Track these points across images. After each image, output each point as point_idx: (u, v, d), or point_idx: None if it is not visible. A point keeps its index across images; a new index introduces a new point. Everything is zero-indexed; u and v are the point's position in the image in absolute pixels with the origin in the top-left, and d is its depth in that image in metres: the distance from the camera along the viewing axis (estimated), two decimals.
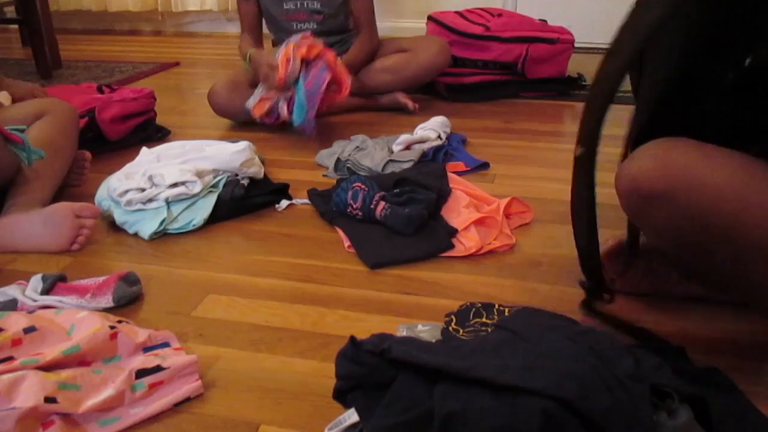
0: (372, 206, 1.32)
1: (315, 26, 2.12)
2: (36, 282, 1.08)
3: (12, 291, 1.07)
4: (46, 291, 1.07)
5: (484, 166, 1.68)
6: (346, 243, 1.28)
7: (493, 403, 0.64)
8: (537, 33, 2.33)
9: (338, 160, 1.66)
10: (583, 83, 2.40)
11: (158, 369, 0.86)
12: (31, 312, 1.00)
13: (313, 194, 1.48)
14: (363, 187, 1.36)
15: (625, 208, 0.88)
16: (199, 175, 1.40)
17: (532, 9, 2.46)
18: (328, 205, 1.41)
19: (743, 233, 0.77)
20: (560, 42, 2.33)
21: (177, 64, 3.00)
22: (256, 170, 1.48)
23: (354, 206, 1.34)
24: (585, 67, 2.32)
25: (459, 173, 1.59)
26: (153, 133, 1.94)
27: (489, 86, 2.34)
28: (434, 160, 1.66)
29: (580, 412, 0.63)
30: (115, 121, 1.81)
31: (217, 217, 1.38)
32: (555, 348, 0.74)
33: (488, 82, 2.34)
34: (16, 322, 0.92)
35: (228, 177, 1.45)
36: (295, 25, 2.12)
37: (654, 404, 0.68)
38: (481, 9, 2.51)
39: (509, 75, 2.35)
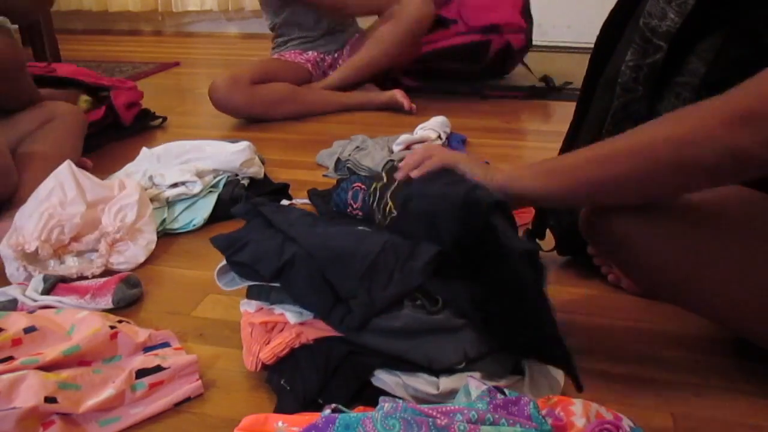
0: (373, 207, 1.32)
1: None
2: (36, 282, 1.08)
3: (12, 291, 1.07)
4: (47, 291, 1.07)
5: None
6: None
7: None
8: None
9: (338, 160, 1.66)
10: (562, 87, 2.34)
11: (158, 369, 0.86)
12: (31, 312, 1.00)
13: (313, 194, 1.48)
14: (363, 187, 1.35)
15: (593, 248, 0.92)
16: (199, 175, 1.40)
17: (531, 8, 2.45)
18: (328, 205, 1.41)
19: (702, 267, 0.80)
20: None
21: (177, 64, 3.00)
22: (256, 170, 1.48)
23: (354, 206, 1.34)
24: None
25: None
26: (152, 120, 2.06)
27: (447, 54, 2.28)
28: None
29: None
30: (126, 107, 1.93)
31: (217, 217, 1.38)
32: (361, 233, 0.89)
33: (440, 50, 2.26)
34: (16, 322, 0.92)
35: (228, 177, 1.45)
36: None
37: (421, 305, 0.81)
38: None
39: (454, 36, 2.25)
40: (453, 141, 1.78)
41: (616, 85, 1.00)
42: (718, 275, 0.79)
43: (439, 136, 1.73)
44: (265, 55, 2.36)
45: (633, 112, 1.00)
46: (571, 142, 1.13)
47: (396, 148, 1.68)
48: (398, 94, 2.15)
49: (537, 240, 1.18)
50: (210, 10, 3.75)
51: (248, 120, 2.10)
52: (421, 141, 1.69)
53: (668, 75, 0.97)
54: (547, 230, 1.17)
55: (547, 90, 2.34)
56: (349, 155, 1.65)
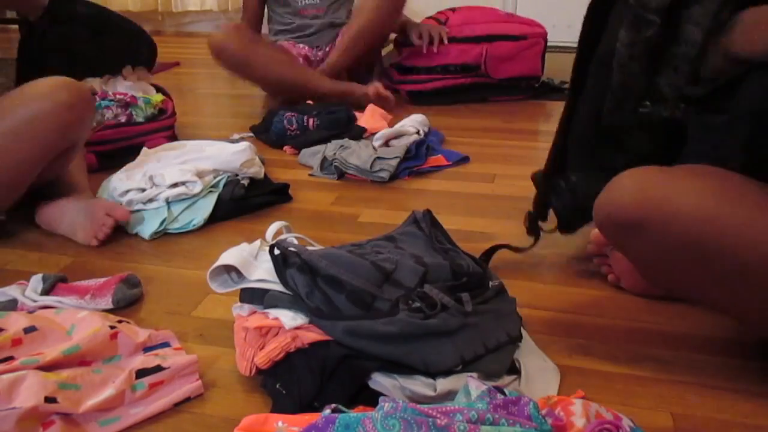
0: (305, 123, 1.82)
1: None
2: (36, 282, 1.08)
3: (12, 291, 1.07)
4: (47, 291, 1.07)
5: (465, 160, 1.72)
6: None
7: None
8: (496, 30, 2.23)
9: (324, 159, 1.66)
10: (561, 87, 2.33)
11: (158, 369, 0.86)
12: (31, 312, 1.00)
13: (255, 130, 1.92)
14: (293, 114, 1.85)
15: (606, 238, 0.90)
16: (199, 175, 1.40)
17: (532, 9, 2.45)
18: (269, 134, 1.85)
19: (720, 257, 0.78)
20: (526, 38, 2.23)
21: (177, 64, 3.00)
22: (257, 170, 1.48)
23: (291, 129, 1.83)
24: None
25: (440, 167, 1.68)
26: None
27: (451, 91, 2.26)
28: (417, 154, 1.68)
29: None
30: None
31: (217, 217, 1.38)
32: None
33: (450, 87, 2.26)
34: (16, 322, 0.92)
35: (228, 177, 1.45)
36: (300, 2, 2.18)
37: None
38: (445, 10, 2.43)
39: (473, 77, 2.25)
40: (430, 139, 1.80)
41: (611, 62, 1.00)
42: (735, 269, 0.77)
43: (418, 132, 1.74)
44: None
45: (632, 89, 1.00)
46: (567, 123, 1.14)
47: (376, 143, 1.70)
48: (380, 87, 2.11)
49: (539, 222, 1.18)
50: (210, 10, 3.75)
51: (242, 79, 2.12)
52: (398, 135, 1.72)
53: (664, 47, 0.96)
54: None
55: (548, 90, 2.34)
56: (335, 154, 1.65)
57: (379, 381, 0.80)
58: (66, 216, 1.32)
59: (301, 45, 2.26)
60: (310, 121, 1.82)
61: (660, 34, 0.94)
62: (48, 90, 1.26)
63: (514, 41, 2.23)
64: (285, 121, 1.82)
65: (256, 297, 0.89)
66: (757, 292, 0.78)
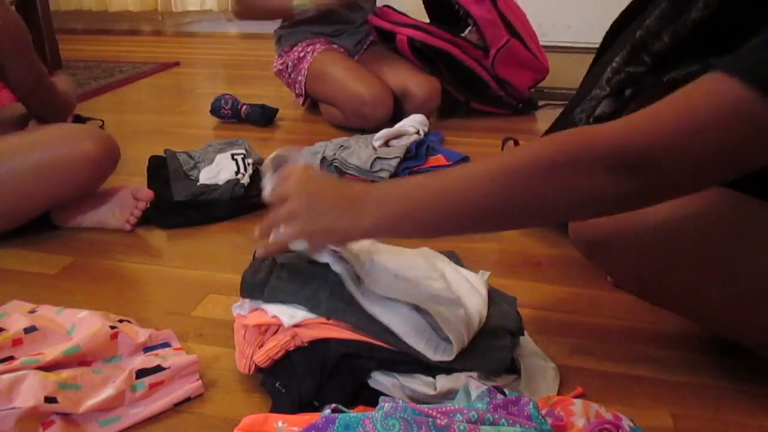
0: (238, 107, 2.06)
1: None
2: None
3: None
4: None
5: (465, 160, 1.72)
6: None
7: None
8: (525, 37, 2.16)
9: (324, 158, 1.66)
10: (544, 106, 2.25)
11: (158, 369, 0.86)
12: (31, 312, 1.00)
13: None
14: (231, 96, 2.08)
15: (581, 253, 0.93)
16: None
17: (532, 8, 2.45)
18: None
19: (684, 271, 0.80)
20: (537, 59, 2.17)
21: (177, 64, 3.00)
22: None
23: (225, 109, 2.06)
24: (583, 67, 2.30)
25: (440, 167, 1.65)
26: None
27: (451, 65, 2.12)
28: (417, 154, 1.68)
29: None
30: None
31: (216, 217, 1.39)
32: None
33: (453, 58, 2.10)
34: (17, 322, 0.92)
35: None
36: None
37: None
38: None
39: (477, 62, 2.12)
40: (430, 138, 1.79)
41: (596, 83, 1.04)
42: (701, 279, 0.79)
43: (418, 132, 1.74)
44: (266, 54, 2.35)
45: (595, 106, 1.06)
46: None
47: (376, 143, 1.70)
48: None
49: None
50: (210, 10, 3.75)
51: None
52: (399, 135, 1.72)
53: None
54: None
55: (530, 108, 2.24)
56: (335, 154, 1.65)
57: (379, 380, 0.80)
58: (91, 206, 1.33)
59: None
60: (243, 108, 2.04)
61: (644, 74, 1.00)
62: (74, 137, 1.26)
63: (531, 55, 2.16)
64: (222, 101, 2.07)
65: (257, 290, 0.88)
66: (720, 304, 0.80)
